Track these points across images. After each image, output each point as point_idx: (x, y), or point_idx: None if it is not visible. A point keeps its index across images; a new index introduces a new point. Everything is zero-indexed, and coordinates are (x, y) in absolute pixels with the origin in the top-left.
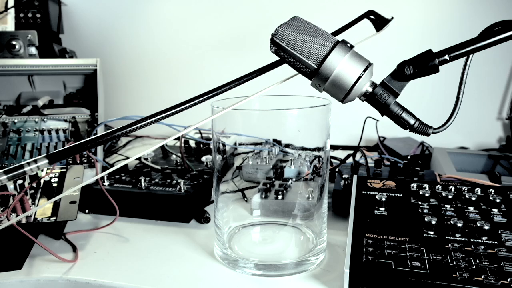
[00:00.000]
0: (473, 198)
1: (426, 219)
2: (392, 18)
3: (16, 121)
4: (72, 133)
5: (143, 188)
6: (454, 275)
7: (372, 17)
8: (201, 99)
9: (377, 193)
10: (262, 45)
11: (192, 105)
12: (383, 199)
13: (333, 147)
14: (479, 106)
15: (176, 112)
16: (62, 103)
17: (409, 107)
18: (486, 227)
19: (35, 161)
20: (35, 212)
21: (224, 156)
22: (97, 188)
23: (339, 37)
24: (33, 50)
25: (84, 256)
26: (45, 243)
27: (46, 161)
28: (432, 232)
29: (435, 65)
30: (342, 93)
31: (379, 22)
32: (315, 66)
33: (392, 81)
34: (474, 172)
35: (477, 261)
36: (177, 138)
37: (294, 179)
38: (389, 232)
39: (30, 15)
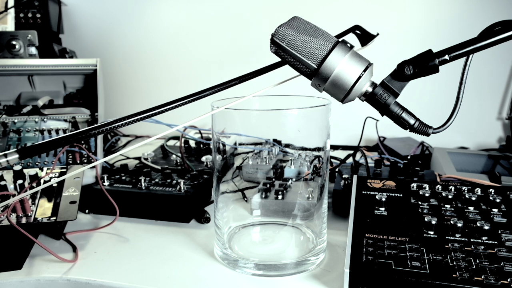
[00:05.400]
0: (473, 198)
1: (426, 219)
2: (378, 34)
3: (16, 121)
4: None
5: (143, 188)
6: (454, 275)
7: (358, 32)
8: (200, 95)
9: (377, 193)
10: (262, 44)
11: (190, 101)
12: (383, 199)
13: (333, 147)
14: (479, 106)
15: (174, 107)
16: (62, 103)
17: (409, 107)
18: (486, 227)
19: (5, 155)
20: (35, 212)
21: (224, 156)
22: (97, 188)
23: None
24: (33, 50)
25: (84, 256)
26: (45, 243)
27: (16, 155)
28: (432, 232)
29: (435, 65)
30: (342, 93)
31: (365, 37)
32: (315, 66)
33: (392, 81)
34: (474, 172)
35: (477, 261)
36: (177, 138)
37: (294, 179)
38: (389, 232)
39: (30, 15)
